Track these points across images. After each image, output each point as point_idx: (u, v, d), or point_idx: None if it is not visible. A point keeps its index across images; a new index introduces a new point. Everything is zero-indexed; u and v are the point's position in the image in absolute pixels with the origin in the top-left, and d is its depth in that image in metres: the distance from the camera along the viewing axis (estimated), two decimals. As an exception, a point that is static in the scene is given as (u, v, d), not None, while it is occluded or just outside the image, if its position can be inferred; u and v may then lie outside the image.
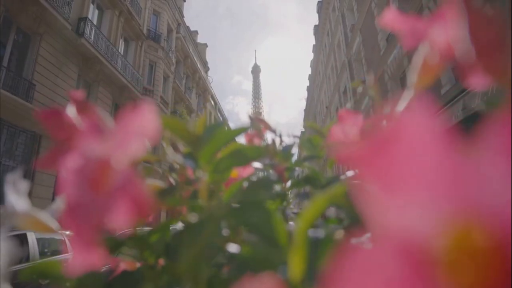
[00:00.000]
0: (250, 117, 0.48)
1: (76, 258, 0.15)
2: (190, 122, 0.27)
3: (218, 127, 0.29)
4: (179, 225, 0.38)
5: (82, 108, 0.27)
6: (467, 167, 0.09)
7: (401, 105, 0.25)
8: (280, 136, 0.55)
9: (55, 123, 0.25)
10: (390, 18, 0.22)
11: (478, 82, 0.19)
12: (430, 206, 0.10)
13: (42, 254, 5.32)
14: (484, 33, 0.19)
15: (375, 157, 0.10)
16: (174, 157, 0.26)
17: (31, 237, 5.31)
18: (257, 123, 0.49)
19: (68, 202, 0.15)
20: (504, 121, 0.09)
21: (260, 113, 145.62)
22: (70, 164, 0.16)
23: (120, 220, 0.14)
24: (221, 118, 35.24)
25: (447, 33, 0.20)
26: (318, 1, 28.42)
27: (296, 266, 0.18)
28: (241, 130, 0.29)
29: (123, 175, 0.15)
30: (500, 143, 0.09)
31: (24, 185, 0.28)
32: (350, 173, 0.41)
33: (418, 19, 0.22)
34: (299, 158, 0.46)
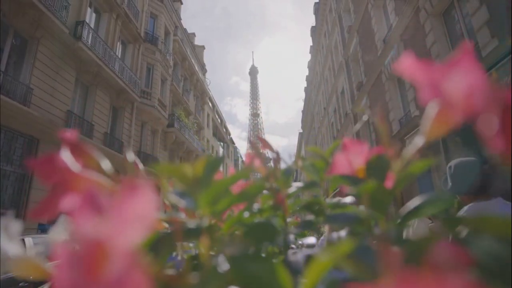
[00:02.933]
0: (250, 141, 0.48)
1: None
2: (189, 164, 0.26)
3: (217, 164, 0.28)
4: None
5: (75, 149, 0.26)
6: None
7: (411, 150, 0.24)
8: (279, 155, 0.54)
9: (47, 170, 0.24)
10: (407, 65, 0.21)
11: (496, 149, 0.18)
12: None
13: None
14: None
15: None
16: (173, 200, 0.25)
17: (29, 242, 5.31)
18: (257, 146, 0.48)
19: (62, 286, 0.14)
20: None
21: (258, 114, 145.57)
22: (63, 246, 0.16)
23: None
24: (219, 120, 35.22)
25: (465, 86, 0.19)
26: (315, 2, 28.49)
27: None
28: (243, 174, 0.28)
29: (122, 265, 0.13)
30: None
31: (16, 227, 0.28)
32: (349, 199, 0.40)
33: (435, 67, 0.21)
34: (300, 180, 0.46)
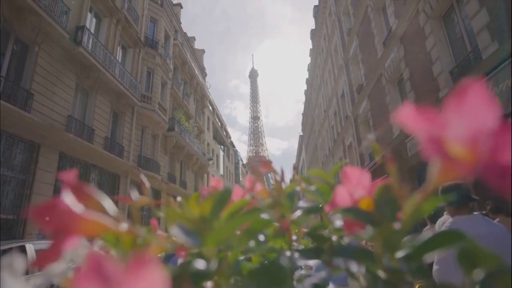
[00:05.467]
0: (251, 164, 0.47)
1: None
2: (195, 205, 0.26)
3: (224, 202, 0.27)
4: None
5: (76, 191, 0.25)
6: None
7: (421, 194, 0.24)
8: (282, 173, 0.54)
9: (49, 216, 0.23)
10: (406, 115, 0.19)
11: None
12: None
13: (41, 265, 5.30)
14: None
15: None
16: (180, 238, 0.25)
17: (30, 249, 5.30)
18: (257, 169, 0.48)
19: None
20: None
21: (258, 117, 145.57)
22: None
23: None
24: (219, 123, 35.24)
25: (471, 135, 0.18)
26: (315, 5, 28.58)
27: None
28: (250, 217, 0.27)
29: None
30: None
31: (21, 265, 0.27)
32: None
33: (436, 115, 0.19)
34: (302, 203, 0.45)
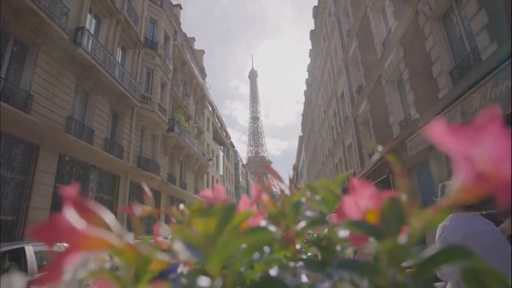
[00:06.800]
0: (257, 173, 0.47)
1: None
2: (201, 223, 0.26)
3: (229, 218, 0.27)
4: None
5: (77, 207, 0.25)
6: None
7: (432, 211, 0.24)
8: (290, 179, 0.53)
9: (52, 234, 0.23)
10: (438, 131, 0.20)
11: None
12: None
13: (41, 267, 5.29)
14: None
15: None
16: (183, 253, 0.25)
17: (29, 251, 5.28)
18: (263, 179, 0.47)
19: None
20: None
21: (258, 118, 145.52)
22: None
23: None
24: (219, 124, 35.23)
25: (493, 156, 0.19)
26: (314, 6, 28.61)
27: None
28: (256, 236, 0.27)
29: None
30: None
31: (20, 283, 0.27)
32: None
33: (467, 133, 0.20)
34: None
